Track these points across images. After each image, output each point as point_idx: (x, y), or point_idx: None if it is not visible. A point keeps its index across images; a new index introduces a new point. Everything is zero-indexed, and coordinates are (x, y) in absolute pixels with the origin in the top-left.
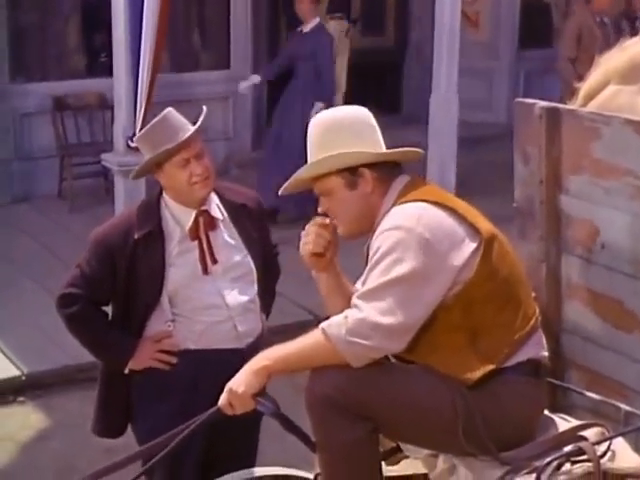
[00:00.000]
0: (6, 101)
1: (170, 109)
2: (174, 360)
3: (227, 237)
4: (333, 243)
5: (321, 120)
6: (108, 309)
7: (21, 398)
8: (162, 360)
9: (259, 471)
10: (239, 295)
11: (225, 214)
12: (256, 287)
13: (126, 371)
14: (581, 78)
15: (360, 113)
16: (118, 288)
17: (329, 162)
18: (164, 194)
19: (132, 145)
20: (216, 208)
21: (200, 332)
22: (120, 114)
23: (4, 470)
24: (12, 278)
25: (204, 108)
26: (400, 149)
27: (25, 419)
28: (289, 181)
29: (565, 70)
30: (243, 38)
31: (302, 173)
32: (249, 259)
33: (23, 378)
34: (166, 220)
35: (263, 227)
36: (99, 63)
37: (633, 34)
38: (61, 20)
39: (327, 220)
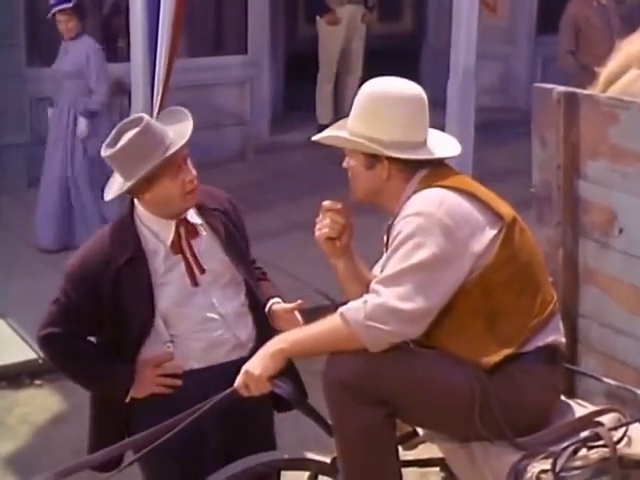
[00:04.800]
0: (23, 85)
1: (145, 121)
2: (179, 382)
3: (208, 241)
4: (348, 228)
5: (375, 89)
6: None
7: (38, 381)
8: (166, 384)
9: (275, 455)
10: (229, 302)
11: (201, 218)
12: (244, 287)
13: (127, 400)
14: (585, 68)
15: (414, 94)
16: (104, 317)
17: (352, 143)
18: (137, 210)
19: None
20: (192, 213)
21: (202, 349)
22: (137, 99)
23: (21, 453)
24: (29, 261)
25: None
26: (425, 156)
27: (42, 402)
28: (323, 133)
29: (565, 62)
30: (260, 23)
31: (332, 134)
32: (230, 261)
33: (40, 361)
34: (145, 239)
35: (240, 226)
36: (116, 48)
37: None
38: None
39: (339, 205)
